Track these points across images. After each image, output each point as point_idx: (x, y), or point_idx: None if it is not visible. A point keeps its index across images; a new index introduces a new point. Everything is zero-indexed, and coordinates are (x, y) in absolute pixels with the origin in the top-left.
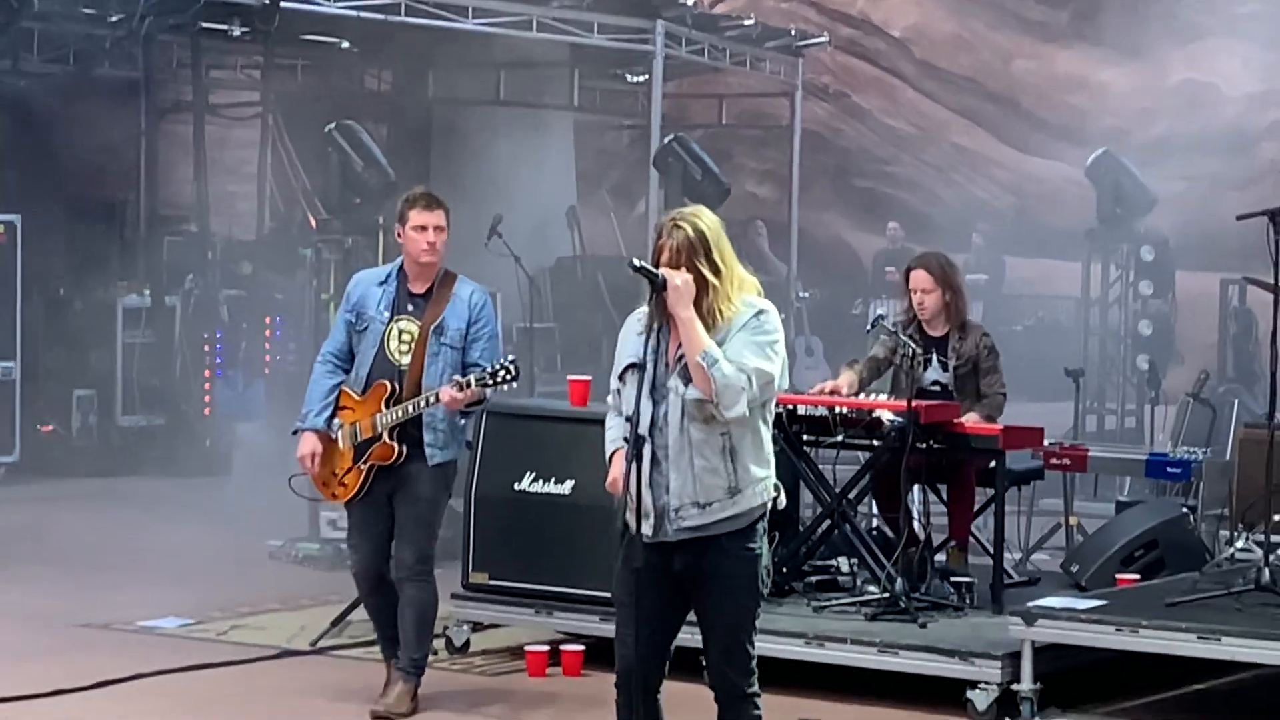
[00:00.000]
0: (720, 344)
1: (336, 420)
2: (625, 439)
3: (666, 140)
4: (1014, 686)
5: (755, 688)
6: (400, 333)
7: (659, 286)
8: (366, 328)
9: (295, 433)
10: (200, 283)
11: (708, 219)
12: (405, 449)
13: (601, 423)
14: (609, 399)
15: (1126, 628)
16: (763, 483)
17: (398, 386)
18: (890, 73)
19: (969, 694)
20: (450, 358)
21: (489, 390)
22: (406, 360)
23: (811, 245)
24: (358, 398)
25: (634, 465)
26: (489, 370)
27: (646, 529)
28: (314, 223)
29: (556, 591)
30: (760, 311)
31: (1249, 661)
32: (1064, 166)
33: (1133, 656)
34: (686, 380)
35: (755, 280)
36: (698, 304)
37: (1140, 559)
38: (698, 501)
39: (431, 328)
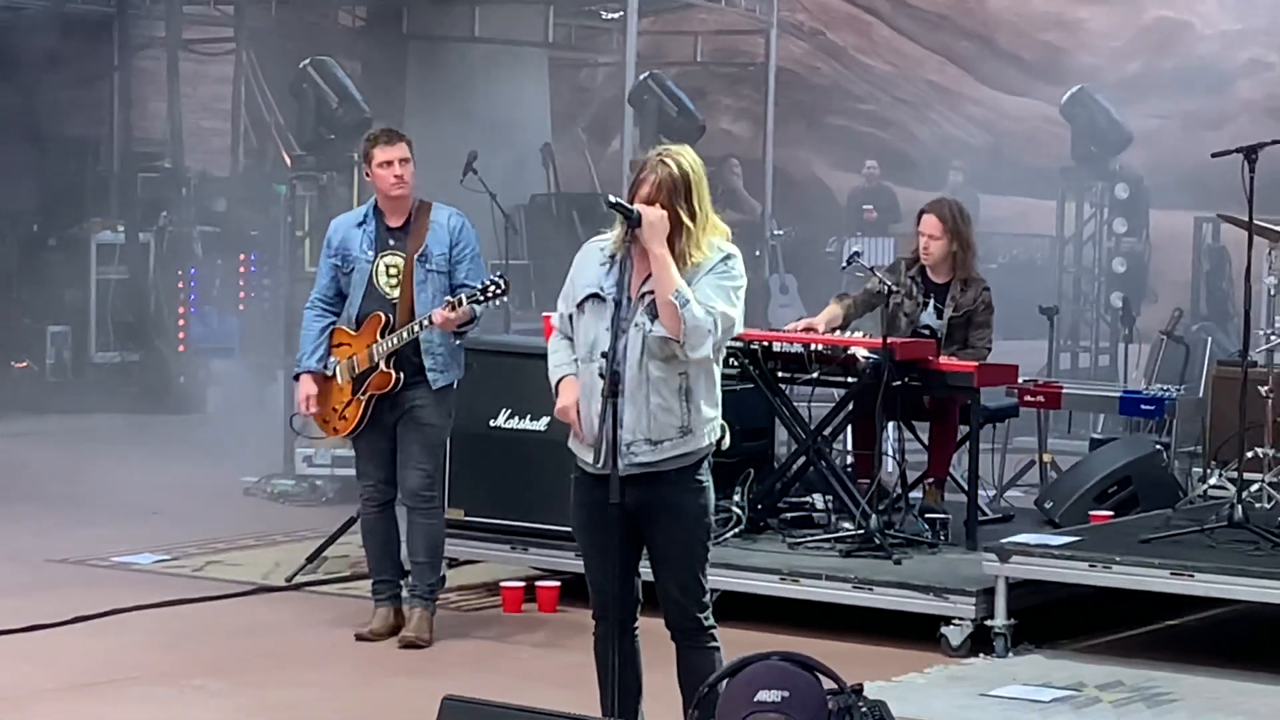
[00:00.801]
0: (688, 284)
1: (332, 359)
2: (602, 371)
3: (642, 77)
4: (988, 622)
5: (711, 620)
6: (387, 267)
7: (634, 222)
8: (353, 269)
9: (296, 378)
10: (174, 219)
11: (691, 159)
12: (403, 376)
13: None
14: (555, 321)
15: (1100, 564)
16: (711, 423)
17: (391, 317)
18: (866, 10)
19: (943, 629)
20: (438, 283)
21: (480, 307)
22: (396, 293)
23: (786, 183)
24: (353, 334)
25: (611, 402)
26: (479, 287)
27: (594, 459)
28: (288, 159)
29: (532, 527)
30: (728, 256)
31: (1221, 598)
32: (1039, 104)
33: (1106, 592)
34: (653, 317)
35: (726, 227)
36: (672, 243)
37: (1114, 496)
38: (650, 438)
39: (416, 256)
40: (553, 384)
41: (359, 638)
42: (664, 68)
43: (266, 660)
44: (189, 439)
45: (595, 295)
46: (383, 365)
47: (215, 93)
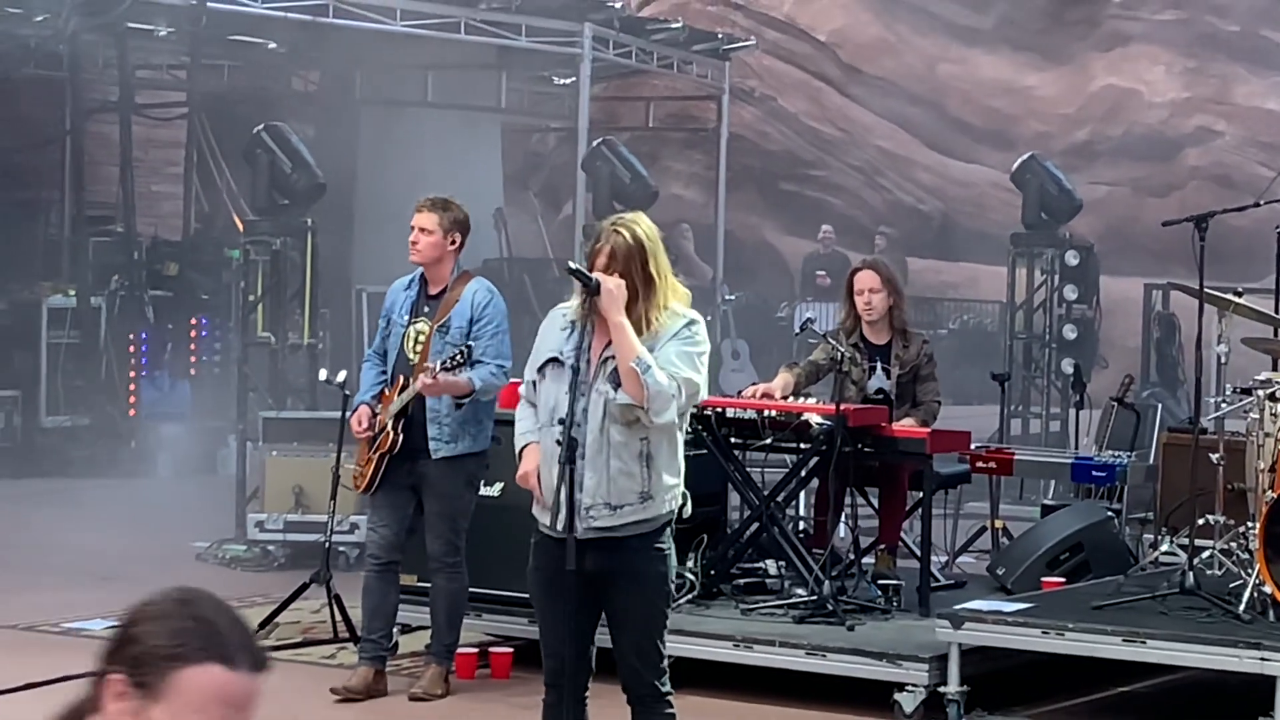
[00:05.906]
0: (650, 350)
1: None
2: (559, 437)
3: (595, 143)
4: (941, 689)
5: (668, 686)
6: (416, 334)
7: (592, 290)
8: (391, 333)
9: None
10: (126, 283)
11: (646, 226)
12: (404, 438)
13: None
14: (522, 389)
15: (1052, 630)
16: (673, 490)
17: (408, 382)
18: (816, 76)
19: (896, 696)
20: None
21: (452, 375)
22: (417, 360)
23: (737, 248)
24: (388, 394)
25: (567, 468)
26: (449, 356)
27: (553, 521)
28: (240, 224)
29: (485, 593)
30: (691, 322)
31: (1173, 664)
32: (989, 171)
33: (1058, 659)
34: (616, 385)
35: (686, 291)
36: (630, 310)
37: (1065, 562)
38: (609, 503)
39: (437, 326)
40: (516, 451)
41: (334, 692)
42: (616, 133)
43: None
44: (140, 504)
45: (554, 360)
46: (389, 426)
47: (167, 157)
